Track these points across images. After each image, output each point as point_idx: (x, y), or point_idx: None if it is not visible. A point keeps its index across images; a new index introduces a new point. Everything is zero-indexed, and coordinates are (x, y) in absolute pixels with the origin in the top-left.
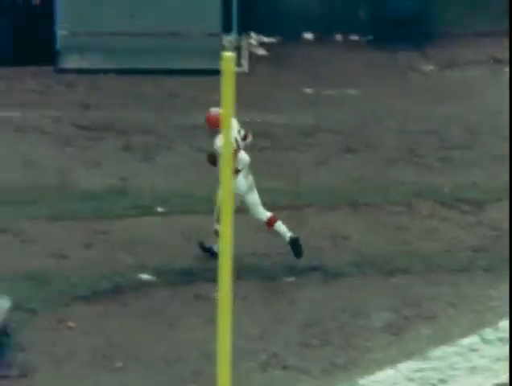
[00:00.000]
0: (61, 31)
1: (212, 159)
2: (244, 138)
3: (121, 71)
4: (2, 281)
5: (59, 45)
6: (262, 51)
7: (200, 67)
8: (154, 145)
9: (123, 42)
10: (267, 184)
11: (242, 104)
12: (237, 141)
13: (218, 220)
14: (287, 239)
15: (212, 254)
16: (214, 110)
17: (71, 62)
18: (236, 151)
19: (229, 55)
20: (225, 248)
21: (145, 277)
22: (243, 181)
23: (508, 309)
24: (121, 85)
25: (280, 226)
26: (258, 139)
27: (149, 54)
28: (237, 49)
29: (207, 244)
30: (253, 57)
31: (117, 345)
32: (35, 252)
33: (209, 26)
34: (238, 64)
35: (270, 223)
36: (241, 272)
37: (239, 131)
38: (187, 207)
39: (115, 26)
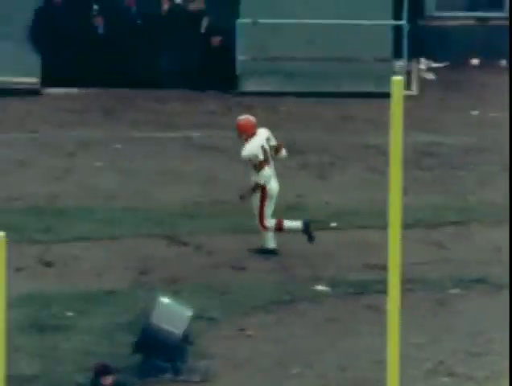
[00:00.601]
0: (241, 57)
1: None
2: (276, 151)
3: (298, 94)
4: (184, 292)
5: (239, 70)
6: (430, 76)
7: (372, 90)
8: (330, 165)
9: (300, 66)
10: (434, 201)
11: (411, 126)
12: (265, 150)
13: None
14: (267, 246)
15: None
16: (243, 117)
17: (251, 85)
18: (262, 163)
19: (398, 79)
20: (394, 261)
21: (320, 288)
22: (275, 185)
23: None
24: (299, 107)
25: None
26: (426, 158)
27: (324, 78)
28: (407, 73)
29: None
30: (422, 81)
31: (293, 352)
32: (215, 263)
33: (381, 52)
34: (408, 88)
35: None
36: (409, 283)
37: (268, 139)
38: (360, 223)
39: (293, 52)
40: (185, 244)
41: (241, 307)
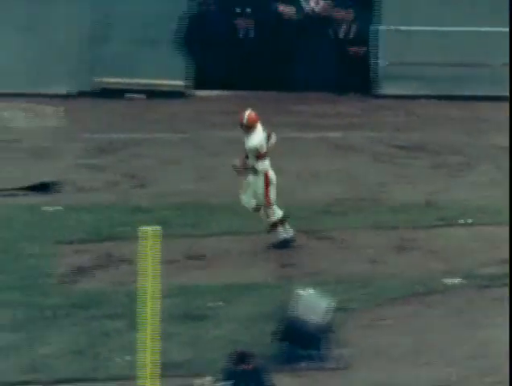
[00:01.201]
0: (379, 62)
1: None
2: (268, 138)
3: (433, 98)
4: (326, 284)
5: (377, 74)
6: None
7: (502, 94)
8: (461, 164)
9: (435, 71)
10: None
11: None
12: (262, 145)
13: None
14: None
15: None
16: (250, 111)
17: (388, 89)
18: (265, 153)
19: None
20: None
21: (450, 281)
22: (273, 173)
23: None
24: (433, 110)
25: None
26: None
27: (457, 82)
28: None
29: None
30: None
31: (425, 342)
32: (353, 257)
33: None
34: None
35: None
36: None
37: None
38: (490, 219)
39: (428, 57)
40: (325, 238)
41: (379, 299)
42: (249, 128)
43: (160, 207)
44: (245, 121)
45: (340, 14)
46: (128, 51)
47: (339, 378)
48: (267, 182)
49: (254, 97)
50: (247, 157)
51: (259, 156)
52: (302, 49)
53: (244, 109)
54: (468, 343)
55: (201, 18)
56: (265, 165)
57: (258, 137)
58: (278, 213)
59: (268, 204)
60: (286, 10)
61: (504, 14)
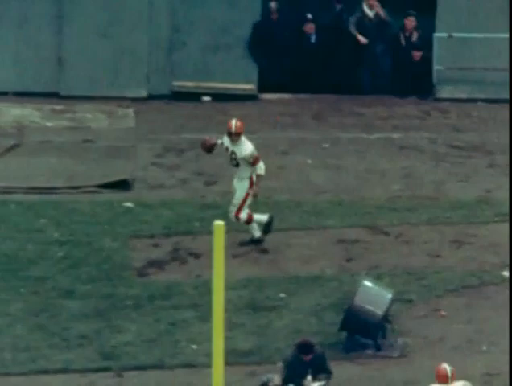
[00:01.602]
0: (437, 67)
1: (207, 147)
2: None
3: (488, 101)
4: (385, 276)
5: (435, 78)
6: None
7: None
8: None
9: (490, 75)
10: None
11: None
12: (254, 150)
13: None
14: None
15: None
16: (236, 120)
17: (446, 92)
18: (259, 157)
19: None
20: None
21: (505, 273)
22: None
23: None
24: (489, 113)
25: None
26: None
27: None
28: None
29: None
30: None
31: (481, 331)
32: (413, 251)
33: None
34: None
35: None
36: None
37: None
38: None
39: (483, 62)
40: (386, 233)
41: (435, 290)
42: (236, 136)
43: (228, 204)
44: (233, 129)
45: (409, 20)
46: (203, 56)
47: (398, 366)
48: (251, 186)
49: (316, 100)
50: (237, 165)
51: (255, 161)
52: (363, 53)
53: (234, 118)
54: None
55: (264, 26)
56: (263, 168)
57: (248, 145)
58: (244, 213)
59: (238, 212)
60: (362, 39)
61: None
